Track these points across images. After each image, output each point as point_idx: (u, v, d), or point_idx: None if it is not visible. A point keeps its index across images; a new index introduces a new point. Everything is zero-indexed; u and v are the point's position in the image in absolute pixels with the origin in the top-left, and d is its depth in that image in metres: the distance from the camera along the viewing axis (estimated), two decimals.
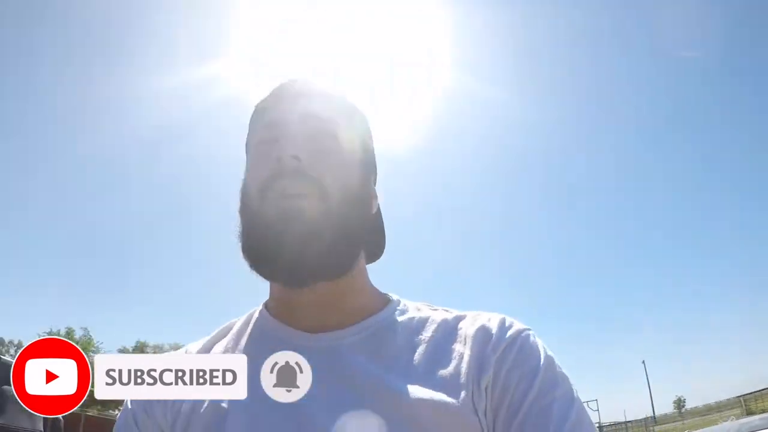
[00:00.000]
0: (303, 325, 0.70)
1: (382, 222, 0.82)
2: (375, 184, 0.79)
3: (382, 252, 0.83)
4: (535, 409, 0.63)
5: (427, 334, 0.70)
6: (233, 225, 0.71)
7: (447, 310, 0.75)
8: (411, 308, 0.75)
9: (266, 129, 0.71)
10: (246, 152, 0.76)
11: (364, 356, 0.67)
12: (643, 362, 38.71)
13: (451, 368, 0.66)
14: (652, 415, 36.96)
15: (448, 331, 0.70)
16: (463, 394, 0.63)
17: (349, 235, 0.67)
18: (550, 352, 0.69)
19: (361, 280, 0.74)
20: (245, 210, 0.70)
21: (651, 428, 27.43)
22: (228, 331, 0.77)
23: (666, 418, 46.80)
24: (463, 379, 0.65)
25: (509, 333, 0.68)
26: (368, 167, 0.75)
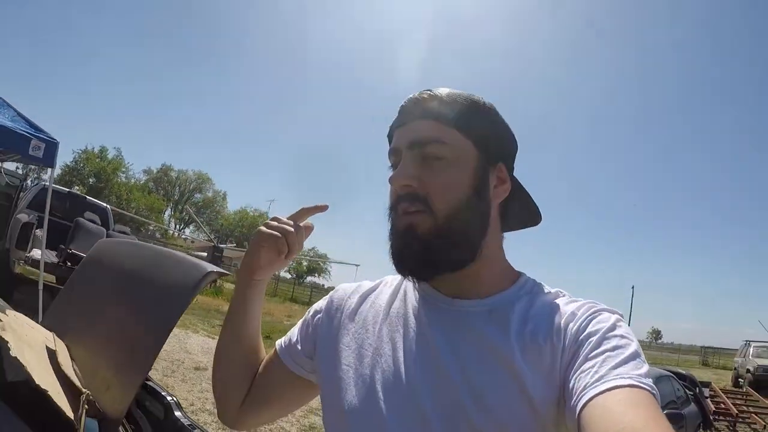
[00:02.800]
0: (445, 291, 0.84)
1: (522, 194, 0.90)
2: (511, 163, 0.88)
3: (534, 218, 0.93)
4: (586, 362, 0.69)
5: (530, 322, 0.78)
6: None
7: (562, 296, 0.83)
8: (530, 290, 0.84)
9: (391, 156, 0.86)
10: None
11: (468, 321, 0.80)
12: (633, 287, 40.54)
13: (538, 348, 0.74)
14: None
15: (549, 314, 0.78)
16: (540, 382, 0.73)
17: (457, 239, 0.79)
18: (620, 323, 0.75)
19: (488, 261, 0.83)
20: (389, 221, 0.85)
21: None
22: (385, 281, 0.97)
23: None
24: (544, 368, 0.73)
25: (585, 316, 0.75)
26: (484, 165, 0.83)
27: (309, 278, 56.50)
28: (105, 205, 10.42)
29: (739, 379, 17.77)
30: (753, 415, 10.66)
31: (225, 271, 2.16)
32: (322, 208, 0.96)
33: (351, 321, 0.92)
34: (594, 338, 0.71)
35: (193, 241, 45.55)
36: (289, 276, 50.25)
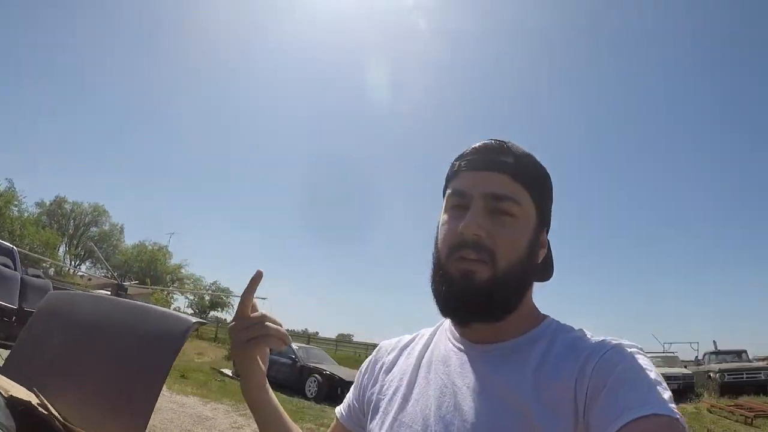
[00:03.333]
0: (473, 338, 0.88)
1: (551, 256, 0.94)
2: (548, 231, 0.92)
3: (547, 274, 0.96)
4: (608, 396, 0.70)
5: (549, 361, 0.79)
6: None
7: (583, 334, 0.83)
8: (553, 331, 0.85)
9: (459, 196, 0.86)
10: (443, 199, 0.91)
11: (491, 365, 0.83)
12: None
13: (552, 389, 0.75)
14: None
15: (566, 354, 0.79)
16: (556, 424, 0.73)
17: (509, 293, 0.82)
18: (638, 356, 0.75)
19: (521, 310, 0.86)
20: (437, 259, 0.87)
21: None
22: (421, 334, 1.03)
23: None
24: (561, 411, 0.74)
25: (601, 351, 0.75)
26: (539, 229, 0.87)
27: (212, 313, 54.62)
28: (10, 245, 9.45)
29: None
30: None
31: (204, 321, 2.40)
32: (257, 280, 0.92)
33: (388, 373, 0.98)
34: (615, 372, 0.72)
35: (90, 279, 42.90)
36: (191, 311, 48.31)
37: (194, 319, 2.21)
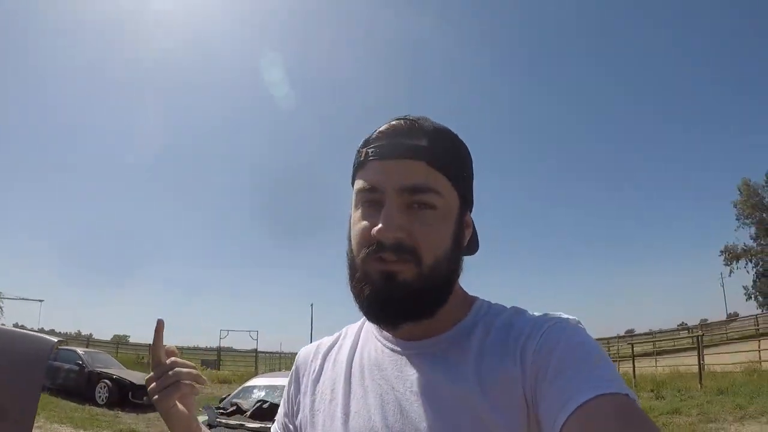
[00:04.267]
0: (403, 335, 0.81)
1: (476, 232, 0.87)
2: (471, 209, 0.85)
3: (473, 249, 0.89)
4: (556, 379, 0.66)
5: (487, 354, 0.75)
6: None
7: (516, 313, 0.79)
8: (485, 314, 0.82)
9: (369, 191, 0.77)
10: (352, 189, 0.82)
11: (429, 364, 0.78)
12: (311, 305, 42.86)
13: (497, 381, 0.72)
14: None
15: (504, 339, 0.75)
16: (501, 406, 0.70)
17: (439, 289, 0.77)
18: (575, 330, 0.72)
19: (451, 299, 0.80)
20: (353, 257, 0.79)
21: None
22: (344, 333, 0.96)
23: None
24: (506, 394, 0.71)
25: (540, 332, 0.72)
26: (463, 213, 0.81)
27: None
28: None
29: None
30: None
31: (62, 339, 2.40)
32: (160, 329, 0.88)
33: (317, 383, 0.90)
34: (555, 354, 0.68)
35: None
36: None
37: (55, 338, 2.24)
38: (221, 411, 6.18)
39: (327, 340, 0.97)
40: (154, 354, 0.87)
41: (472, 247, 0.89)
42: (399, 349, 0.83)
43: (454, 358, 0.77)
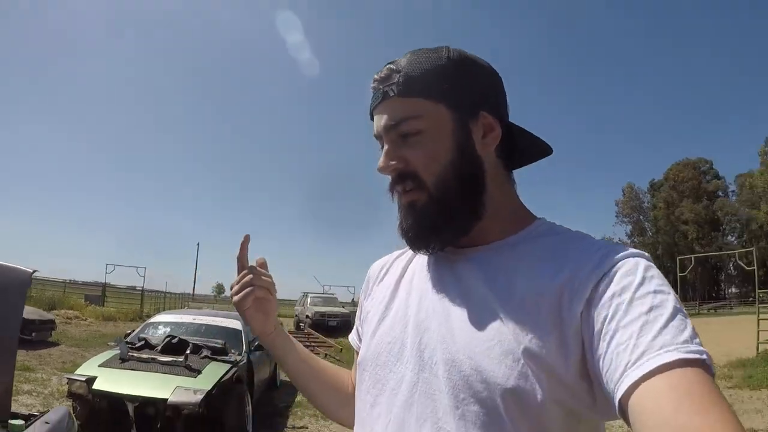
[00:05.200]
0: (461, 243, 0.83)
1: (522, 131, 0.87)
2: (496, 106, 0.83)
3: (545, 149, 0.89)
4: (618, 334, 0.61)
5: (534, 258, 0.75)
6: None
7: (577, 238, 0.77)
8: (541, 233, 0.80)
9: (377, 139, 0.84)
10: None
11: (470, 268, 0.80)
12: (198, 244, 42.09)
13: (533, 296, 0.71)
14: (192, 292, 40.85)
15: (557, 257, 0.74)
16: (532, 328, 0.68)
17: (454, 205, 0.78)
18: (650, 272, 0.67)
19: (495, 210, 0.81)
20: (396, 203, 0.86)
21: (187, 303, 30.88)
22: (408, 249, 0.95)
23: (204, 298, 50.34)
24: (541, 315, 0.69)
25: (609, 264, 0.68)
26: (463, 122, 0.80)
27: None
28: None
29: (300, 324, 21.65)
30: (316, 347, 13.85)
31: (36, 268, 2.52)
32: (246, 243, 0.98)
33: (377, 289, 0.96)
34: (624, 298, 0.64)
35: None
36: None
37: (30, 269, 2.37)
38: (130, 346, 6.19)
39: (397, 253, 1.01)
40: (239, 262, 0.97)
41: (542, 149, 0.89)
42: (448, 253, 0.85)
43: (495, 265, 0.78)
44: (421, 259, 0.90)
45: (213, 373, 5.53)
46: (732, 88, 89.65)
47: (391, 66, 0.82)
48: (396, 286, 0.91)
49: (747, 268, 17.14)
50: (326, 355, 13.04)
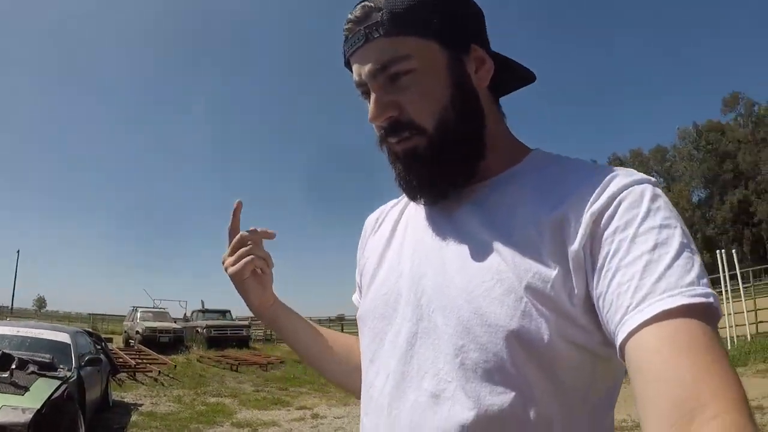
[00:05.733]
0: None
1: (506, 60, 0.82)
2: (484, 36, 0.79)
3: (529, 76, 0.85)
4: (619, 273, 0.58)
5: (534, 189, 0.71)
6: None
7: (580, 165, 0.73)
8: (540, 163, 0.76)
9: (359, 85, 0.77)
10: None
11: (467, 211, 0.75)
12: (18, 251, 37.29)
13: (534, 228, 0.66)
14: (11, 306, 36.39)
15: (558, 186, 0.69)
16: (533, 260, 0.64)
17: (461, 143, 0.74)
18: (656, 203, 0.62)
19: (498, 146, 0.78)
20: (384, 152, 0.80)
21: (6, 317, 27.37)
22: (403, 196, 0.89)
23: (23, 312, 45.21)
24: (541, 246, 0.65)
25: (613, 192, 0.63)
26: (456, 57, 0.75)
27: None
28: None
29: (130, 340, 20.13)
30: (148, 365, 12.91)
31: None
32: (238, 209, 0.94)
33: (373, 240, 0.92)
34: (627, 233, 0.60)
35: None
36: None
37: None
38: None
39: (393, 202, 0.95)
40: (231, 231, 0.93)
41: (525, 75, 0.85)
42: (456, 194, 0.78)
43: (493, 203, 0.74)
44: (415, 206, 0.85)
45: (41, 390, 5.06)
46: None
47: (368, 3, 0.74)
48: (390, 236, 0.87)
49: None
50: (159, 372, 12.30)
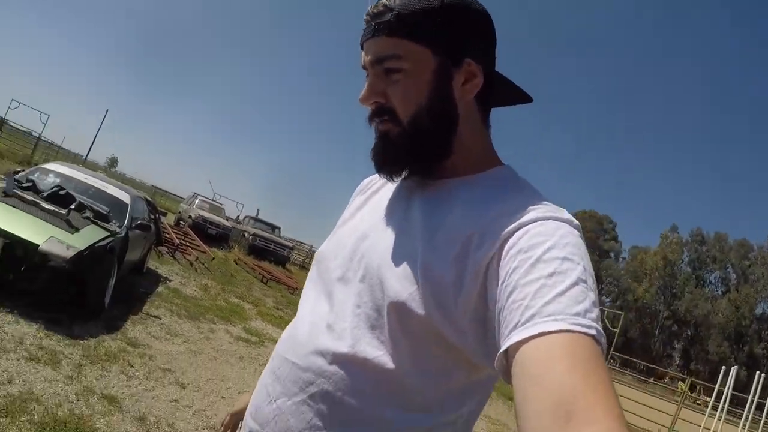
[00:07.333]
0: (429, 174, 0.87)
1: (504, 80, 0.91)
2: (481, 55, 0.85)
3: (524, 97, 0.95)
4: (515, 291, 0.63)
5: (474, 200, 0.80)
6: None
7: (523, 193, 0.79)
8: (495, 179, 0.84)
9: (364, 69, 0.87)
10: None
11: (419, 201, 0.87)
12: (107, 111, 39.79)
13: (453, 239, 0.76)
14: (86, 155, 38.93)
15: (485, 207, 0.77)
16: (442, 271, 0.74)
17: (422, 140, 0.83)
18: (567, 239, 0.67)
19: (463, 151, 0.86)
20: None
21: (80, 164, 29.96)
22: None
23: (95, 165, 47.33)
24: (451, 261, 0.74)
25: (528, 221, 0.70)
26: (445, 67, 0.83)
27: None
28: None
29: (181, 221, 21.26)
30: (189, 248, 13.71)
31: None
32: (228, 426, 1.17)
33: (357, 198, 1.05)
34: (531, 255, 0.65)
35: None
36: None
37: None
38: (17, 183, 5.90)
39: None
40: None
41: (521, 96, 0.94)
42: (412, 183, 0.91)
43: (440, 200, 0.84)
44: (393, 182, 0.95)
45: (90, 235, 5.48)
46: (664, 166, 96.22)
47: (386, 2, 0.83)
48: (367, 200, 1.01)
49: (611, 328, 18.48)
50: (197, 258, 12.98)
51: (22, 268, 4.81)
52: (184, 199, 26.53)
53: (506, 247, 0.69)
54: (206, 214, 20.64)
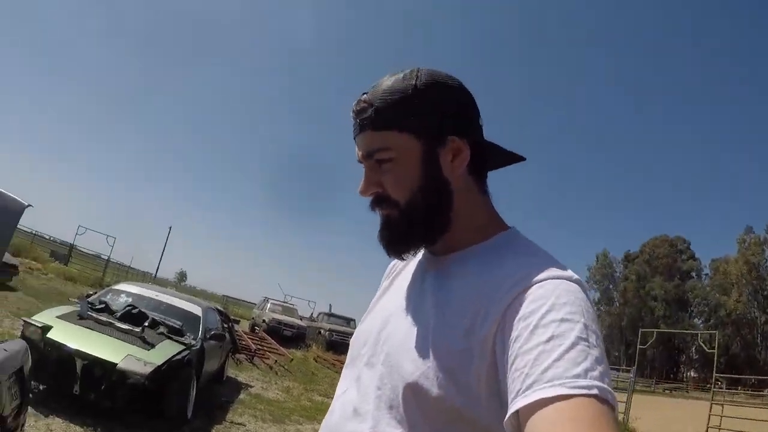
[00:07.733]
0: (434, 250, 0.93)
1: (490, 148, 0.93)
2: (465, 128, 0.89)
3: (515, 157, 0.96)
4: (517, 360, 0.65)
5: (477, 270, 0.83)
6: None
7: (526, 255, 0.82)
8: (496, 246, 0.87)
9: (360, 163, 0.92)
10: None
11: (432, 279, 0.90)
12: (170, 228, 41.81)
13: (464, 313, 0.78)
14: (155, 273, 40.35)
15: (488, 277, 0.79)
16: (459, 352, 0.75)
17: (420, 220, 0.87)
18: (565, 299, 0.69)
19: (463, 221, 0.89)
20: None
21: (149, 282, 30.80)
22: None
23: (165, 282, 49.16)
24: (465, 334, 0.76)
25: (523, 286, 0.73)
26: (432, 148, 0.86)
27: None
28: None
29: (255, 327, 21.49)
30: (267, 352, 13.72)
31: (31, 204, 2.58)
32: None
33: (385, 282, 1.08)
34: (529, 323, 0.67)
35: None
36: None
37: (26, 202, 2.44)
38: (91, 306, 6.15)
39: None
40: None
41: (512, 157, 0.95)
42: (427, 260, 0.95)
43: (448, 275, 0.87)
44: (414, 263, 1.00)
45: (166, 350, 5.54)
46: (718, 172, 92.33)
47: (365, 98, 0.88)
48: (391, 282, 1.04)
49: (708, 350, 17.34)
50: (276, 361, 12.94)
51: (103, 387, 4.87)
52: (255, 304, 27.01)
53: (508, 316, 0.71)
54: (280, 317, 20.85)
